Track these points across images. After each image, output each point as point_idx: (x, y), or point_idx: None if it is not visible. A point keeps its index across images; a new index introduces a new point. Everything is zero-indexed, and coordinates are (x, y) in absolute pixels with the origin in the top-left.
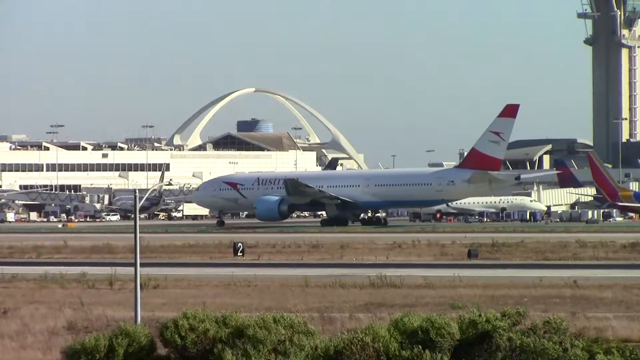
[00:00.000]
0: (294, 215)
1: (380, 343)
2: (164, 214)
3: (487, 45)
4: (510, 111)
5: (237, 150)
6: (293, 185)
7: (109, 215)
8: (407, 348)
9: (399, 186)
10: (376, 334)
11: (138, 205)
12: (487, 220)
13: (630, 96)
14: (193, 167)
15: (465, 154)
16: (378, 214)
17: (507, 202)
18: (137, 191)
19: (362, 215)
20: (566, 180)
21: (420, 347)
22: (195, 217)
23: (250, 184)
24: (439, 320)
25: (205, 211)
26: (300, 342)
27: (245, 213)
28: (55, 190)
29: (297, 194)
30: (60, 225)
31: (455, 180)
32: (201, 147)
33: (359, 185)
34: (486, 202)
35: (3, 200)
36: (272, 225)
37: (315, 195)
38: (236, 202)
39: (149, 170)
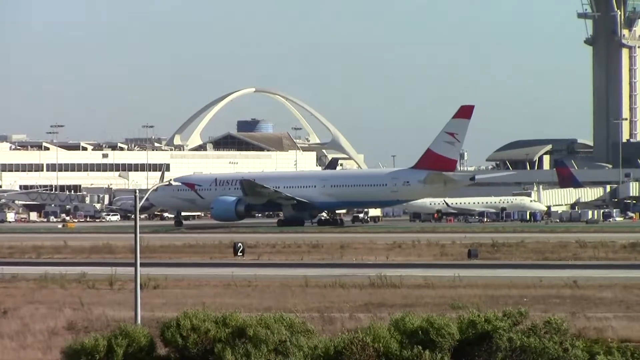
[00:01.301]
0: (259, 215)
1: (380, 343)
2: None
3: (487, 45)
4: (465, 112)
5: (237, 150)
6: (249, 186)
7: (109, 215)
8: (407, 348)
9: (354, 187)
10: (376, 334)
11: (138, 206)
12: (487, 221)
13: (630, 96)
14: (193, 167)
15: (465, 153)
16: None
17: (507, 202)
18: (137, 191)
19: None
20: (566, 180)
21: (420, 347)
22: (187, 218)
23: (208, 185)
24: (439, 320)
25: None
26: (300, 342)
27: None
28: (56, 190)
29: (253, 195)
30: (60, 226)
31: (411, 180)
32: (201, 147)
33: (315, 186)
34: (486, 202)
35: (3, 201)
36: (230, 225)
37: (271, 195)
38: (194, 202)
39: (149, 171)
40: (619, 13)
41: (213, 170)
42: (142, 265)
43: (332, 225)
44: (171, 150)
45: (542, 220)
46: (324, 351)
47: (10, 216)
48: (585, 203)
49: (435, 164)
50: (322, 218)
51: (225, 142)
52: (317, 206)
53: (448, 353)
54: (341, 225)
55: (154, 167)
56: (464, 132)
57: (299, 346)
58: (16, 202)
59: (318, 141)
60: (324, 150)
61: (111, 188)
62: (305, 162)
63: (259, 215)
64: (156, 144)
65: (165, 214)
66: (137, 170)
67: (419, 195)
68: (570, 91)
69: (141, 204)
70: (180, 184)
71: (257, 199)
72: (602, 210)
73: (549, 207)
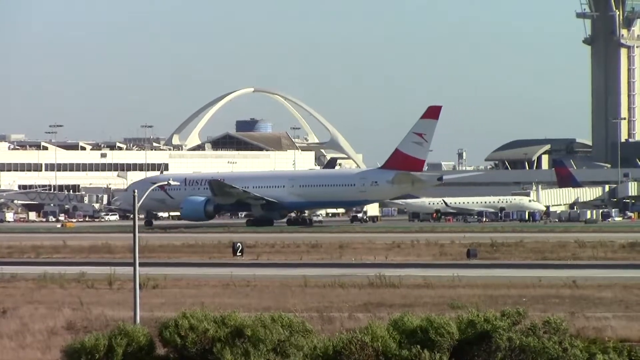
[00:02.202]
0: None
1: (379, 343)
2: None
3: (486, 45)
4: (433, 112)
5: (236, 150)
6: (217, 187)
7: (107, 215)
8: (406, 348)
9: (323, 187)
10: (375, 333)
11: (137, 205)
12: (486, 220)
13: (629, 96)
14: (192, 167)
15: (464, 153)
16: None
17: (506, 202)
18: (135, 191)
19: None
20: (565, 180)
21: (419, 347)
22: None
23: (178, 185)
24: (438, 319)
25: None
26: (299, 342)
27: None
28: (54, 190)
29: (222, 195)
30: (59, 225)
31: (379, 180)
32: (200, 147)
33: (284, 186)
34: (485, 202)
35: (2, 200)
36: (199, 225)
37: (240, 195)
38: (164, 202)
39: (148, 170)
40: (618, 13)
41: (212, 171)
42: (141, 265)
43: (301, 224)
44: (170, 150)
45: (541, 220)
46: (323, 351)
47: (9, 216)
48: (584, 203)
49: (403, 164)
50: (291, 218)
51: (224, 142)
52: (286, 206)
53: (447, 352)
54: (310, 224)
55: (153, 167)
56: (432, 132)
57: (298, 346)
58: (15, 201)
59: (317, 141)
60: (322, 150)
61: (110, 188)
62: (304, 162)
63: (232, 215)
64: (155, 144)
65: (160, 214)
66: (136, 170)
67: (387, 195)
68: (569, 91)
69: (140, 203)
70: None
71: (226, 199)
72: (601, 210)
73: (547, 207)
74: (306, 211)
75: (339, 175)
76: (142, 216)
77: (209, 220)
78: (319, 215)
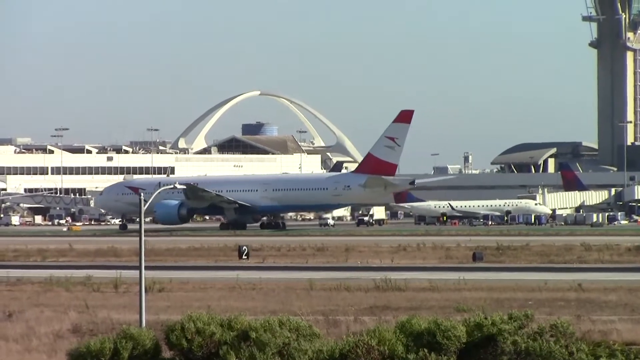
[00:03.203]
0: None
1: (385, 346)
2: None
3: (491, 47)
4: (405, 117)
5: (242, 153)
6: (190, 190)
7: (114, 218)
8: (412, 351)
9: (296, 190)
10: (382, 336)
11: (143, 209)
12: (491, 224)
13: (635, 99)
14: (198, 171)
15: (470, 156)
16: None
17: (512, 205)
18: (142, 194)
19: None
20: (571, 183)
21: (426, 350)
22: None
23: (152, 189)
24: (445, 322)
25: None
26: (304, 346)
27: None
28: (60, 193)
29: (195, 199)
30: (65, 229)
31: (351, 184)
32: (206, 151)
33: (257, 190)
34: (491, 205)
35: (8, 204)
36: (173, 229)
37: (213, 199)
38: (137, 206)
39: (154, 174)
40: (624, 16)
41: (218, 174)
42: (147, 268)
43: (274, 228)
44: (176, 153)
45: (547, 223)
46: (329, 354)
47: (15, 219)
48: (590, 206)
49: (376, 168)
50: (265, 222)
51: (230, 146)
52: (259, 210)
53: (454, 356)
54: (283, 228)
55: (159, 171)
56: (404, 136)
57: (304, 350)
58: (21, 205)
59: (323, 144)
60: (328, 154)
61: None
62: (310, 165)
63: (207, 218)
64: (161, 147)
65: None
66: (142, 174)
67: (359, 199)
68: (575, 94)
69: (145, 207)
70: (125, 187)
71: (199, 203)
72: (607, 213)
73: (553, 210)
74: (282, 215)
75: (312, 180)
76: (117, 220)
77: (182, 223)
78: (330, 218)
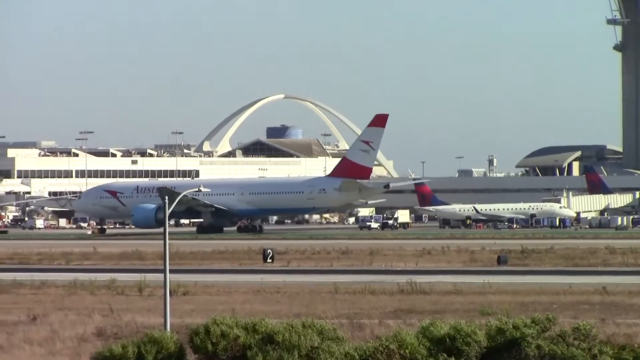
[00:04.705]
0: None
1: (407, 350)
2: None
3: (516, 51)
4: (380, 121)
5: (267, 156)
6: (166, 194)
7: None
8: (433, 355)
9: (272, 194)
10: (402, 341)
11: (167, 212)
12: (516, 227)
13: None
14: (222, 174)
15: (495, 160)
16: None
17: (537, 208)
18: (166, 198)
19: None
20: (595, 186)
21: (446, 355)
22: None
23: (130, 192)
24: (465, 328)
25: None
26: (331, 349)
27: None
28: None
29: (172, 202)
30: (89, 232)
31: (327, 188)
32: (230, 154)
33: (233, 194)
34: (516, 209)
35: (32, 207)
36: (150, 232)
37: (190, 203)
38: (116, 210)
39: (179, 177)
40: None
41: (242, 177)
42: (171, 271)
43: (251, 232)
44: (200, 156)
45: (571, 226)
46: (350, 358)
47: (40, 223)
48: (614, 209)
49: (351, 171)
50: (242, 225)
51: (254, 149)
52: (235, 213)
53: None
54: (260, 232)
55: (184, 174)
56: (379, 140)
57: (331, 352)
58: (45, 208)
59: (347, 147)
60: None
61: None
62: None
63: (185, 222)
64: (185, 151)
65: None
66: (167, 177)
67: (334, 202)
68: (600, 97)
69: (170, 210)
70: (104, 191)
71: (176, 207)
72: (631, 217)
73: (578, 214)
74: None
75: (288, 183)
76: (96, 224)
77: (160, 227)
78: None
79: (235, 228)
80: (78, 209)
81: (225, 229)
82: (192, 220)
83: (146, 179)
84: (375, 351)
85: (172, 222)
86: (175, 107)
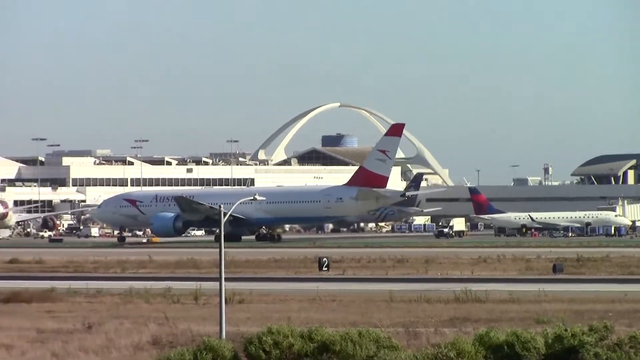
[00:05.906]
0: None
1: (465, 358)
2: None
3: (572, 59)
4: (396, 130)
5: (322, 165)
6: (184, 203)
7: (194, 230)
8: None
9: (289, 203)
10: (460, 348)
11: (223, 220)
12: (572, 235)
13: None
14: (277, 182)
15: (550, 168)
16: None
17: (592, 217)
18: (222, 206)
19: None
20: None
21: None
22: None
23: (149, 201)
24: (524, 334)
25: None
26: (387, 357)
27: None
28: None
29: (189, 211)
30: (144, 240)
31: (343, 197)
32: (286, 162)
33: (251, 203)
34: (571, 217)
35: (88, 215)
36: (169, 240)
37: (207, 212)
38: (136, 218)
39: (234, 185)
40: None
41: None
42: (226, 280)
43: (270, 240)
44: (255, 165)
45: (626, 234)
46: None
47: (95, 231)
48: None
49: (367, 180)
50: (260, 234)
51: (309, 157)
52: (253, 222)
53: None
54: (279, 240)
55: (239, 182)
56: (395, 149)
57: None
58: None
59: (403, 156)
60: (408, 165)
61: None
62: (391, 177)
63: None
64: (240, 159)
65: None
66: (222, 185)
67: (351, 211)
68: None
69: (225, 218)
70: (123, 200)
71: (194, 215)
72: None
73: (633, 222)
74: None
75: (305, 192)
76: (117, 232)
77: (178, 235)
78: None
79: (254, 237)
80: (98, 217)
81: (243, 237)
82: (205, 228)
83: (168, 188)
84: (434, 359)
85: (195, 230)
86: (230, 116)
